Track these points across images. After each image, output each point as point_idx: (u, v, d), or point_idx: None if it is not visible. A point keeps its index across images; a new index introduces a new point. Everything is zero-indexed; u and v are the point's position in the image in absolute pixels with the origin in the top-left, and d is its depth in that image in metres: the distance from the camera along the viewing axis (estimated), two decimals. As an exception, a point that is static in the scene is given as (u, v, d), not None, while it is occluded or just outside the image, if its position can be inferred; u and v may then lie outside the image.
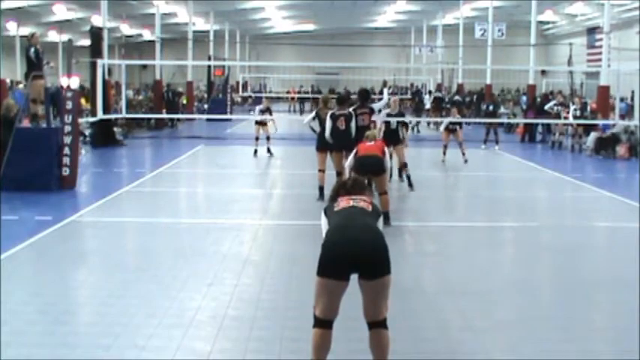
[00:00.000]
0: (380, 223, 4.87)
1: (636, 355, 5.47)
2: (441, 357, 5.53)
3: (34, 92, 13.83)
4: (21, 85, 28.72)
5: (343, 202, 4.88)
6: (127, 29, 36.76)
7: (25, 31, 33.46)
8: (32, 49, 13.85)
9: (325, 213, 4.92)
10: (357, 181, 5.25)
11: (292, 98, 43.25)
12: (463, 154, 17.69)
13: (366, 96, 12.45)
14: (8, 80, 33.55)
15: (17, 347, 5.50)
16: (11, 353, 5.35)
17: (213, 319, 6.24)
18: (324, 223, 4.88)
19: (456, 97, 31.31)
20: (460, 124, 18.55)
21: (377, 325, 4.71)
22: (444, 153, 17.84)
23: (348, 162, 10.41)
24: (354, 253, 4.54)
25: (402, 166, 13.68)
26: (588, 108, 23.11)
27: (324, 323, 4.68)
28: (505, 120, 26.56)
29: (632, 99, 25.43)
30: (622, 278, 7.89)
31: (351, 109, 11.96)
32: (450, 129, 18.18)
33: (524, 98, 31.73)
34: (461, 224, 10.79)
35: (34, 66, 14.05)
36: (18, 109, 14.28)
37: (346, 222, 4.70)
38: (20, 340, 5.65)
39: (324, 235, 4.82)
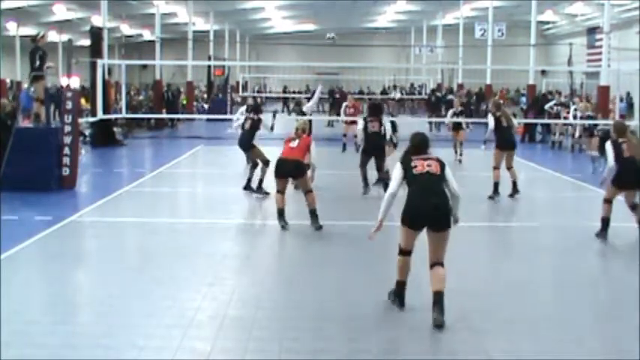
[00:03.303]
0: (448, 172, 6.44)
1: (636, 355, 5.47)
2: (441, 357, 5.53)
3: (39, 92, 13.83)
4: (26, 85, 28.77)
5: (419, 164, 6.41)
6: (127, 29, 36.74)
7: (25, 31, 33.49)
8: (39, 50, 13.83)
9: (402, 164, 6.47)
10: (424, 139, 6.68)
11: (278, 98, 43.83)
12: (460, 153, 17.88)
13: (374, 109, 13.69)
14: (8, 80, 33.62)
15: (18, 347, 5.50)
16: (12, 353, 5.35)
17: (213, 319, 6.24)
18: (398, 172, 6.48)
19: (450, 97, 31.21)
20: (462, 123, 18.53)
21: (437, 265, 6.22)
22: (456, 152, 18.12)
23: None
24: (429, 216, 6.26)
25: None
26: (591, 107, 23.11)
27: (406, 252, 6.40)
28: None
29: (623, 100, 25.37)
30: (622, 278, 7.90)
31: (361, 119, 13.47)
32: (457, 128, 18.24)
33: (523, 99, 31.71)
34: (460, 224, 10.77)
35: (34, 66, 14.01)
36: (13, 108, 14.27)
37: (424, 189, 6.32)
38: (20, 340, 5.65)
39: (394, 182, 6.49)
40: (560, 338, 5.91)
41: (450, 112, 19.30)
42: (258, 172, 12.72)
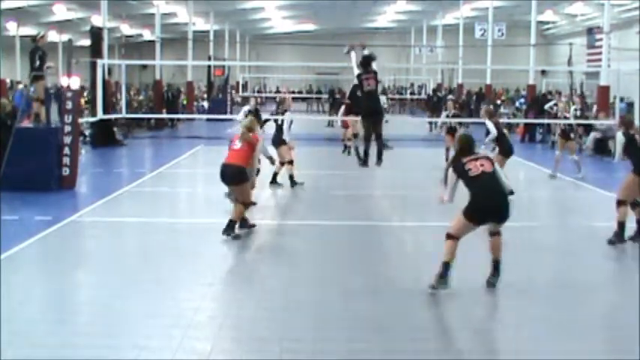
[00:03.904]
0: (497, 166, 7.16)
1: (636, 355, 5.47)
2: (441, 357, 5.53)
3: (40, 92, 13.83)
4: (21, 86, 28.70)
5: (473, 166, 7.01)
6: (127, 29, 36.70)
7: (25, 31, 33.46)
8: (39, 50, 13.83)
9: (455, 171, 7.09)
10: (470, 139, 7.31)
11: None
12: None
13: (368, 62, 12.40)
14: (8, 80, 33.60)
15: (17, 347, 5.50)
16: (11, 353, 5.35)
17: (213, 319, 6.25)
18: (452, 177, 7.13)
19: (450, 97, 31.14)
20: (460, 124, 17.89)
21: (495, 234, 7.18)
22: (447, 159, 16.48)
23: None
24: (495, 215, 7.04)
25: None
26: (592, 108, 23.07)
27: (455, 237, 7.04)
28: (505, 120, 26.52)
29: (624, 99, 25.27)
30: (622, 278, 7.90)
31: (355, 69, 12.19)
32: (451, 132, 16.87)
33: (521, 99, 31.68)
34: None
35: (34, 66, 14.02)
36: (13, 108, 14.26)
37: (486, 189, 6.97)
38: (20, 340, 5.65)
39: (449, 186, 7.14)
40: (561, 338, 5.91)
41: (443, 114, 17.95)
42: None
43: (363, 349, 5.56)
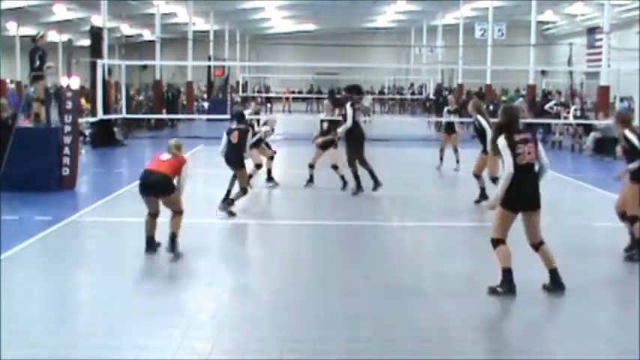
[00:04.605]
0: (540, 148, 7.04)
1: (636, 355, 5.47)
2: (441, 357, 5.53)
3: (40, 92, 13.84)
4: (12, 85, 28.68)
5: (522, 150, 6.86)
6: (127, 29, 36.70)
7: (25, 31, 33.47)
8: (39, 50, 13.85)
9: (509, 146, 6.86)
10: (517, 114, 7.41)
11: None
12: (457, 161, 16.18)
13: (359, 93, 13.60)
14: (8, 80, 33.62)
15: (17, 347, 5.50)
16: (11, 353, 5.35)
17: (213, 319, 6.25)
18: (508, 155, 6.85)
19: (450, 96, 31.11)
20: (455, 125, 17.02)
21: (539, 244, 7.08)
22: (441, 158, 16.56)
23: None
24: (529, 203, 6.94)
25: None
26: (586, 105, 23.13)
27: (503, 241, 6.97)
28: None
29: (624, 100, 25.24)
30: (622, 278, 7.90)
31: (349, 106, 12.75)
32: (449, 130, 16.84)
33: (520, 99, 31.71)
34: (461, 224, 10.79)
35: (34, 66, 14.04)
36: (13, 109, 14.27)
37: (526, 180, 6.88)
38: (20, 340, 5.65)
39: (509, 167, 6.83)
40: (561, 338, 5.92)
41: (445, 109, 17.81)
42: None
43: (363, 349, 5.56)
